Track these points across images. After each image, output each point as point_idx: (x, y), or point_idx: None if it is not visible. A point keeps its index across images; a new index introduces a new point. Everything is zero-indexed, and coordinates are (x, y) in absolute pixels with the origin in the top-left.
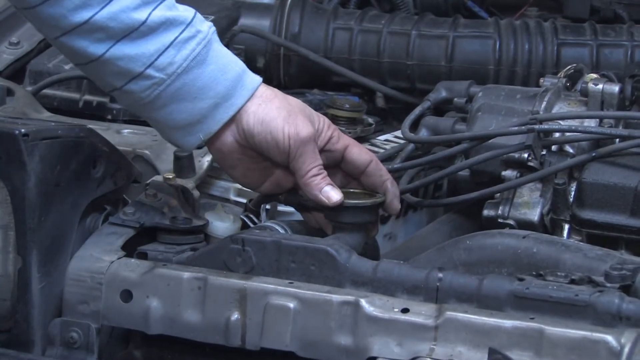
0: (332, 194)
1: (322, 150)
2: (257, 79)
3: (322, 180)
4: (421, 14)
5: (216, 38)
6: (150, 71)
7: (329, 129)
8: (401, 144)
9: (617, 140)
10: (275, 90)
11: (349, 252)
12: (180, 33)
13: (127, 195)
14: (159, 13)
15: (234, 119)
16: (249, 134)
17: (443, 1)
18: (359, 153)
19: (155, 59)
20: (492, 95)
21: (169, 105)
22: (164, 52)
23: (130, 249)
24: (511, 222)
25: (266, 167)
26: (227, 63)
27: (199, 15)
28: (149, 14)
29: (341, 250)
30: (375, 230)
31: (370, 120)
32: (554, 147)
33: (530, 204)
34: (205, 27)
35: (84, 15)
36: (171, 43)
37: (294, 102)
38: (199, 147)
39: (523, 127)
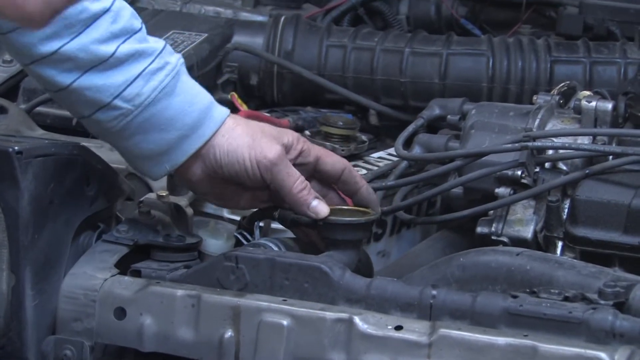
0: (320, 209)
1: (294, 164)
2: (225, 110)
3: (309, 195)
4: (414, 31)
5: (184, 70)
6: (117, 102)
7: (298, 143)
8: (394, 162)
9: (611, 157)
10: (237, 117)
11: (342, 269)
12: (149, 64)
13: (120, 212)
14: (128, 46)
15: (199, 154)
16: (217, 166)
17: (436, 18)
18: (331, 163)
19: (123, 90)
20: (486, 113)
21: (136, 135)
22: (132, 83)
23: (123, 266)
24: (504, 239)
25: (237, 188)
26: (195, 94)
27: (168, 46)
28: (117, 47)
29: (335, 267)
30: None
31: (364, 137)
32: (547, 165)
33: (524, 221)
34: (174, 59)
35: (53, 46)
36: (139, 74)
37: (256, 125)
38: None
39: (516, 145)
